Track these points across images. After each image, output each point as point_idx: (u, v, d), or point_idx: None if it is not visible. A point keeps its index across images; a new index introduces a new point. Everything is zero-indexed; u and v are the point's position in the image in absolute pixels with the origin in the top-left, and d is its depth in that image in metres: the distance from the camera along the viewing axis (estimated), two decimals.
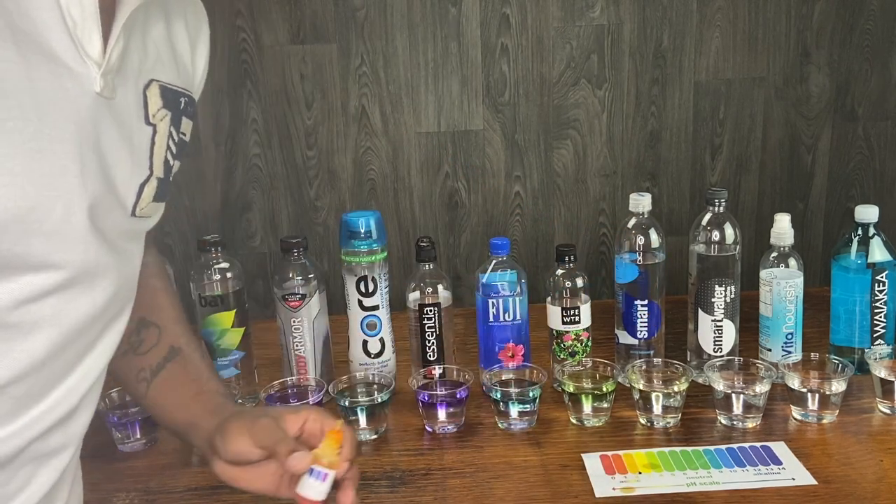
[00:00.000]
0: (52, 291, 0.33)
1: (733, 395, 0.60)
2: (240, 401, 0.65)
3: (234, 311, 0.65)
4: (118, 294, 0.37)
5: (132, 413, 0.61)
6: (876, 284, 0.65)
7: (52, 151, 0.31)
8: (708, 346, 0.67)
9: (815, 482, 0.53)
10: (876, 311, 0.66)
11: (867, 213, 0.65)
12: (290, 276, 0.66)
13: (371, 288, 0.66)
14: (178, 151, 0.39)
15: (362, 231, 0.65)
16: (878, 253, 0.65)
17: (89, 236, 0.33)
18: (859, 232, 0.66)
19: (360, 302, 0.67)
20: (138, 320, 0.46)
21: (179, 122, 0.39)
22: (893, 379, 0.61)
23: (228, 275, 0.66)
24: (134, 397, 0.50)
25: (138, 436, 0.62)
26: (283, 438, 0.42)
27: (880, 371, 0.62)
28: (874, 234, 0.66)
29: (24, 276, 0.31)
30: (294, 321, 0.66)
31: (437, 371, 0.66)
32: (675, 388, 0.61)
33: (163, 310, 0.49)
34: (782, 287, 0.65)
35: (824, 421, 0.61)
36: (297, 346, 0.66)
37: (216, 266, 0.66)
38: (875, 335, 0.66)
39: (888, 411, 0.62)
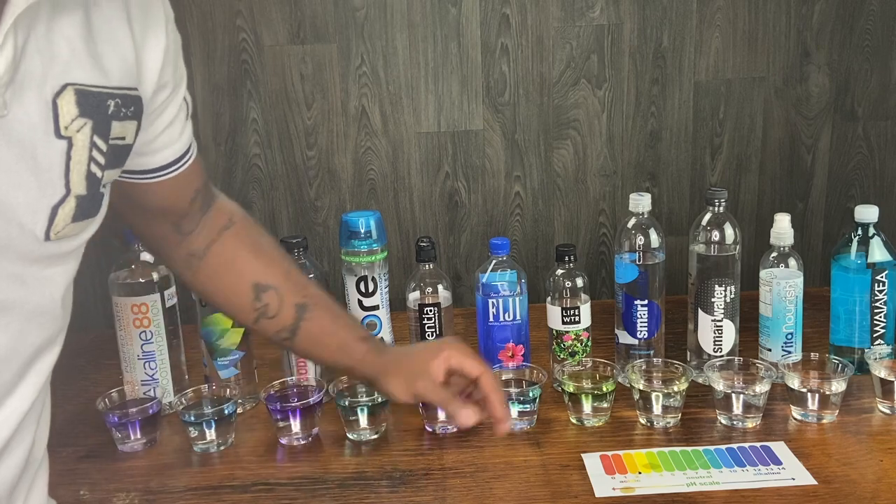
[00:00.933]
0: None
1: (733, 395, 0.60)
2: (240, 401, 0.65)
3: None
4: (28, 329, 0.33)
5: (132, 413, 0.62)
6: (876, 284, 0.65)
7: None
8: (708, 346, 0.67)
9: (815, 482, 0.53)
10: (876, 311, 0.66)
11: (867, 213, 0.65)
12: None
13: (371, 288, 0.66)
14: (110, 160, 0.35)
15: (362, 231, 0.66)
16: (878, 253, 0.65)
17: None
18: (859, 232, 0.66)
19: (360, 302, 0.67)
20: (253, 286, 0.47)
21: (107, 129, 0.34)
22: (893, 379, 0.61)
23: None
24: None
25: (138, 436, 0.62)
26: (445, 399, 0.47)
27: (880, 371, 0.62)
28: (874, 234, 0.66)
29: None
30: None
31: None
32: (675, 388, 0.61)
33: (271, 267, 0.49)
34: (782, 287, 0.65)
35: (824, 421, 0.61)
36: None
37: None
38: (875, 335, 0.66)
39: (888, 411, 0.62)
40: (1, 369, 0.33)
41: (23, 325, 0.33)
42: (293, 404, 0.61)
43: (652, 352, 0.68)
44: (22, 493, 0.37)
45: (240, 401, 0.65)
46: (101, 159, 0.34)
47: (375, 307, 0.67)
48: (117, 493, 0.56)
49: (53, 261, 0.34)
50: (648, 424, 0.61)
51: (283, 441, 0.61)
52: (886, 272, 0.65)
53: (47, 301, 0.35)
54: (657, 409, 0.61)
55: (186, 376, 0.69)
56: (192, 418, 0.60)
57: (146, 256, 0.65)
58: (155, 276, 0.64)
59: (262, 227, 0.53)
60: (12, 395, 0.34)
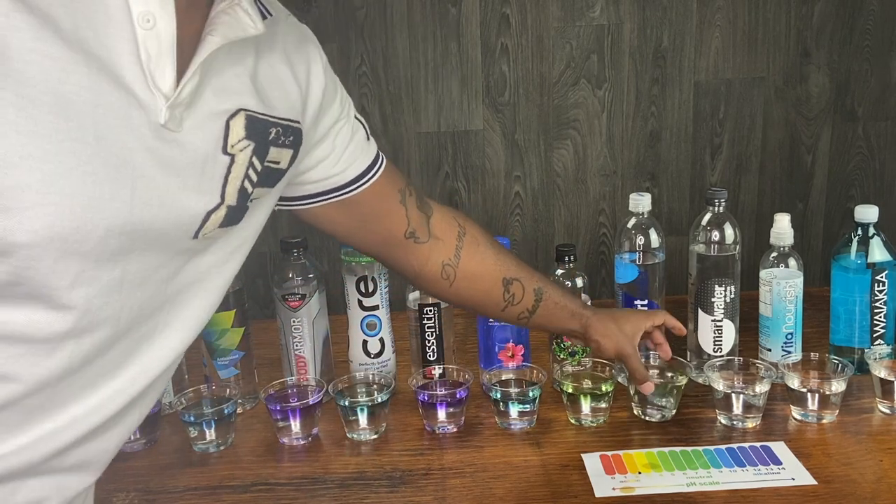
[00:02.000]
0: (80, 318, 0.33)
1: (733, 395, 0.60)
2: (240, 401, 0.65)
3: (234, 311, 0.65)
4: (142, 313, 0.36)
5: None
6: (876, 284, 0.65)
7: (106, 175, 0.32)
8: (708, 346, 0.67)
9: (814, 482, 0.53)
10: (876, 311, 0.66)
11: (867, 213, 0.65)
12: (290, 276, 0.66)
13: (371, 288, 0.66)
14: (262, 179, 0.40)
15: None
16: (878, 253, 0.65)
17: (128, 259, 0.34)
18: (859, 232, 0.66)
19: (359, 302, 0.67)
20: (503, 280, 0.56)
21: (266, 152, 0.39)
22: (893, 379, 0.61)
23: None
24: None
25: (138, 436, 0.62)
26: (640, 368, 0.59)
27: (880, 371, 0.62)
28: (874, 234, 0.66)
29: (54, 307, 0.32)
30: (294, 321, 0.66)
31: (436, 371, 0.66)
32: (676, 382, 0.61)
33: (509, 260, 0.58)
34: (782, 287, 0.65)
35: (824, 421, 0.61)
36: (296, 345, 0.66)
37: None
38: (875, 335, 0.67)
39: (888, 411, 0.62)
40: (113, 346, 0.36)
41: (139, 309, 0.36)
42: (293, 404, 0.61)
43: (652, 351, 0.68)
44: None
45: (239, 401, 0.65)
46: (255, 177, 0.39)
47: (375, 307, 0.67)
48: (117, 493, 0.56)
49: (192, 254, 0.38)
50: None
51: (283, 441, 0.61)
52: (886, 272, 0.65)
53: (172, 289, 0.38)
54: (661, 401, 0.61)
55: (186, 376, 0.69)
56: (192, 418, 0.60)
57: None
58: None
59: (473, 220, 0.60)
60: (119, 373, 0.37)
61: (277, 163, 0.41)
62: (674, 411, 0.61)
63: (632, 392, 0.62)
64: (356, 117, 0.50)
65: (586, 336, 0.59)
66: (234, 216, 0.39)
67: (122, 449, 0.61)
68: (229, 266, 0.41)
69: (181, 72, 0.34)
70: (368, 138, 0.51)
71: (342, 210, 0.49)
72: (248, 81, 0.39)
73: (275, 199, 0.44)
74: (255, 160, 0.39)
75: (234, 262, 0.41)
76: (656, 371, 0.63)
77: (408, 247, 0.53)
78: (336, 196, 0.49)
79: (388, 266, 0.57)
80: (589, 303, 0.68)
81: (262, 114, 0.39)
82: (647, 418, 0.62)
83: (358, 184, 0.49)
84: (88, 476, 0.38)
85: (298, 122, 0.42)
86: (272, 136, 0.40)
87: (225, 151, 0.37)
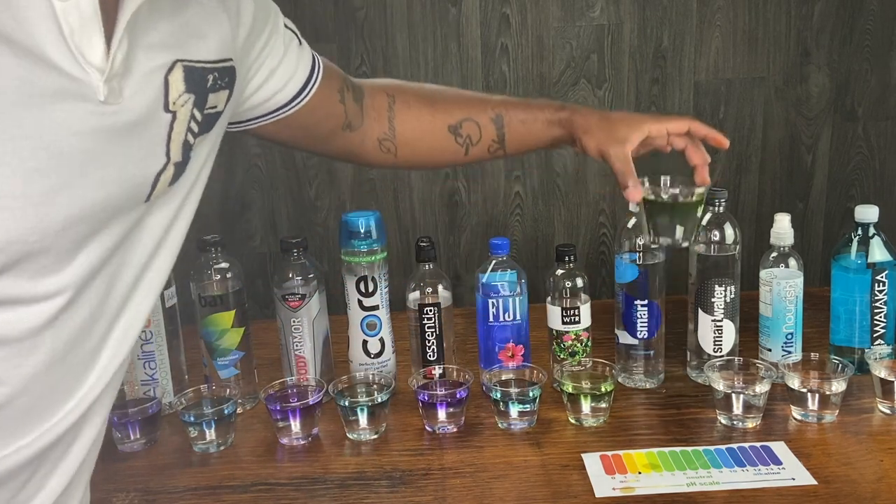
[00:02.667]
0: (53, 308, 0.33)
1: (733, 395, 0.60)
2: (240, 401, 0.65)
3: (234, 311, 0.65)
4: (111, 287, 0.36)
5: (132, 413, 0.62)
6: (876, 284, 0.65)
7: (53, 167, 0.31)
8: (708, 346, 0.67)
9: (815, 482, 0.53)
10: (876, 311, 0.66)
11: (867, 213, 0.65)
12: (290, 276, 0.66)
13: (371, 288, 0.66)
14: (203, 127, 0.38)
15: (362, 231, 0.65)
16: (878, 253, 0.65)
17: (88, 242, 0.33)
18: (859, 232, 0.66)
19: (359, 302, 0.67)
20: (448, 129, 0.54)
21: (205, 101, 0.38)
22: (893, 379, 0.61)
23: (228, 275, 0.66)
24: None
25: (138, 436, 0.62)
26: (626, 171, 0.53)
27: (880, 371, 0.62)
28: (874, 234, 0.66)
29: (24, 304, 0.31)
30: (294, 321, 0.66)
31: (436, 371, 0.66)
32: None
33: (449, 105, 0.55)
34: (782, 287, 0.65)
35: (824, 421, 0.61)
36: (296, 345, 0.66)
37: (216, 266, 0.66)
38: (875, 335, 0.66)
39: (888, 411, 0.62)
40: (92, 329, 0.35)
41: (108, 288, 0.36)
42: (293, 404, 0.61)
43: (652, 352, 0.68)
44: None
45: (239, 401, 0.65)
46: (196, 128, 0.38)
47: (375, 307, 0.67)
48: (117, 494, 0.56)
49: (143, 218, 0.37)
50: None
51: (283, 441, 0.61)
52: (886, 272, 0.65)
53: (136, 259, 0.38)
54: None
55: (186, 376, 0.69)
56: (192, 418, 0.60)
57: None
58: None
59: (411, 82, 0.58)
60: (101, 355, 0.37)
61: (215, 107, 0.40)
62: (685, 243, 0.55)
63: (645, 220, 0.56)
64: (286, 26, 0.48)
65: (573, 138, 0.55)
66: (180, 170, 0.38)
67: (121, 449, 0.61)
68: (182, 219, 0.40)
69: (110, 38, 0.32)
70: (301, 43, 0.50)
71: (288, 123, 0.49)
72: (179, 30, 0.36)
73: (214, 138, 0.42)
74: (195, 111, 0.37)
75: (185, 213, 0.40)
76: (670, 193, 0.56)
77: (344, 136, 0.53)
78: (281, 114, 0.48)
79: (328, 157, 0.57)
80: (588, 303, 0.68)
81: (199, 61, 0.37)
82: (658, 244, 0.55)
83: (299, 98, 0.49)
84: (78, 457, 0.37)
85: (231, 60, 0.40)
86: (210, 83, 0.38)
87: (167, 109, 0.35)
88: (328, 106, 0.52)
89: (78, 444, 0.37)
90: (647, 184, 0.56)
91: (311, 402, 0.61)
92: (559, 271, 0.68)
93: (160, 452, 0.61)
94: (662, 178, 0.56)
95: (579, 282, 0.68)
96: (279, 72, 0.47)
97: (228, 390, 0.63)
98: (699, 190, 0.56)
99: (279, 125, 0.50)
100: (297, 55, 0.49)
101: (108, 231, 0.35)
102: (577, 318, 0.67)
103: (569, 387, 0.62)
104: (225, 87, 0.40)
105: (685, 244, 0.56)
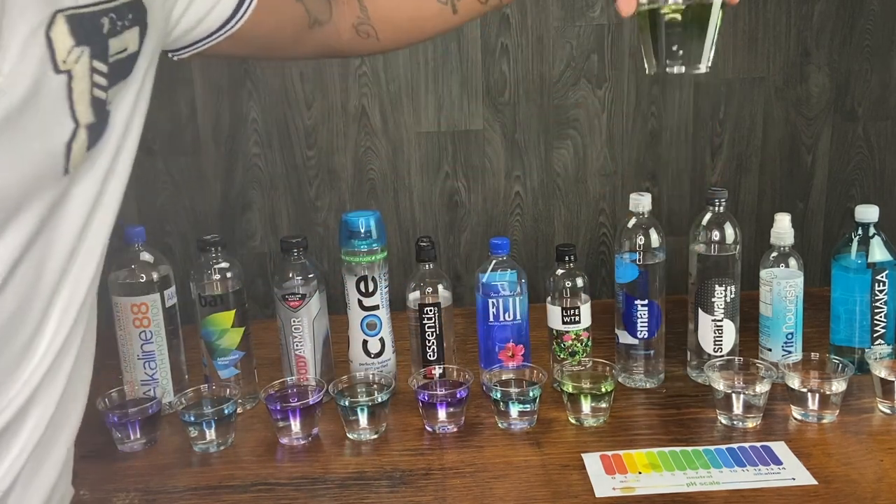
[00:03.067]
0: None
1: (733, 395, 0.60)
2: (240, 401, 0.65)
3: (234, 311, 0.65)
4: (46, 271, 0.33)
5: (132, 413, 0.62)
6: (876, 284, 0.65)
7: None
8: (708, 345, 0.67)
9: (815, 482, 0.53)
10: (876, 310, 0.66)
11: (867, 212, 0.65)
12: (290, 276, 0.66)
13: (371, 288, 0.66)
14: (114, 76, 0.34)
15: (362, 231, 0.66)
16: (879, 253, 0.65)
17: (4, 230, 0.30)
18: (859, 232, 0.66)
19: (360, 302, 0.67)
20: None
21: (105, 49, 0.33)
22: (894, 379, 0.61)
23: (228, 275, 0.66)
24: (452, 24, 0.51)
25: (138, 436, 0.62)
26: None
27: (880, 371, 0.62)
28: (874, 234, 0.66)
29: None
30: (294, 321, 0.66)
31: (437, 371, 0.66)
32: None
33: None
34: (782, 287, 0.65)
35: (824, 421, 0.61)
36: (296, 345, 0.66)
37: (216, 266, 0.66)
38: (875, 335, 0.66)
39: (888, 411, 0.62)
40: (28, 311, 0.33)
41: (38, 267, 0.33)
42: (293, 404, 0.61)
43: (652, 352, 0.68)
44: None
45: (240, 401, 0.65)
46: (104, 81, 0.34)
47: (375, 307, 0.67)
48: (117, 493, 0.56)
49: (70, 189, 0.34)
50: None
51: (283, 441, 0.61)
52: (887, 272, 0.65)
53: (64, 233, 0.34)
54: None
55: (186, 376, 0.69)
56: (192, 418, 0.60)
57: (146, 256, 0.65)
58: (155, 275, 0.64)
59: None
60: (41, 336, 0.34)
61: (124, 50, 0.34)
62: (703, 67, 0.42)
63: (645, 43, 0.44)
64: None
65: None
66: (98, 131, 0.34)
67: (121, 449, 0.61)
68: (115, 179, 0.36)
69: None
70: None
71: (241, 38, 0.45)
72: None
73: (139, 82, 0.37)
74: (96, 63, 0.33)
75: (118, 172, 0.36)
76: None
77: (314, 35, 0.49)
78: (225, 32, 0.44)
79: (306, 59, 0.53)
80: (588, 303, 0.67)
81: (84, 6, 0.32)
82: (668, 69, 0.43)
83: (240, 12, 0.44)
84: (37, 425, 0.35)
85: None
86: (107, 27, 0.33)
87: (57, 70, 0.31)
88: (283, 9, 0.47)
89: (26, 428, 0.35)
90: None
91: (311, 402, 0.61)
92: (559, 271, 0.68)
93: (160, 452, 0.61)
94: None
95: (579, 282, 0.68)
96: None
97: (228, 390, 0.63)
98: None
99: (232, 42, 0.44)
100: None
101: (27, 214, 0.32)
102: (577, 318, 0.67)
103: (569, 387, 0.62)
104: (131, 24, 0.35)
105: (703, 68, 0.43)
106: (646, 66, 0.44)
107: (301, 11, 0.48)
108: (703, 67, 0.43)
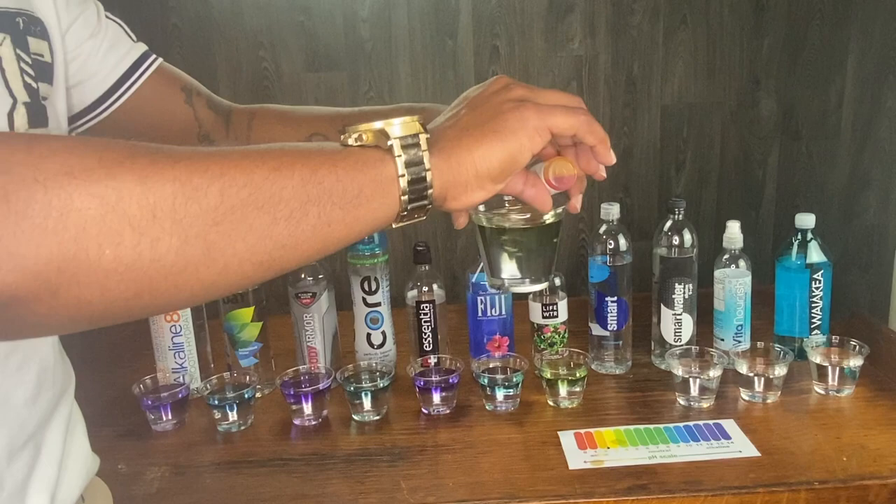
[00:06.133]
0: None
1: (690, 380, 0.62)
2: (259, 386, 0.67)
3: (254, 307, 0.67)
4: None
5: (164, 397, 0.63)
6: (813, 282, 0.67)
7: None
8: (669, 336, 0.68)
9: (759, 454, 0.54)
10: (813, 305, 0.67)
11: (805, 220, 0.67)
12: (303, 276, 0.67)
13: (374, 287, 0.68)
14: (39, 73, 0.33)
15: (366, 237, 0.68)
16: (815, 255, 0.67)
17: None
18: (799, 236, 0.68)
19: (364, 299, 0.68)
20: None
21: (25, 43, 0.33)
22: (827, 364, 0.63)
23: None
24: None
25: (169, 417, 0.63)
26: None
27: (816, 357, 0.64)
28: (811, 239, 0.67)
29: None
30: (306, 316, 0.67)
31: (432, 360, 0.67)
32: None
33: (307, 118, 0.45)
34: (733, 285, 0.67)
35: (768, 401, 0.62)
36: (308, 338, 0.68)
37: None
38: (812, 326, 0.68)
39: (823, 392, 0.63)
40: None
41: None
42: (305, 389, 0.62)
43: (621, 342, 0.70)
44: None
45: (258, 386, 0.66)
46: (31, 71, 0.33)
47: (378, 304, 0.69)
48: (150, 467, 0.57)
49: None
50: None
51: (297, 422, 0.63)
52: (822, 272, 0.67)
53: None
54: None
55: (212, 365, 0.70)
56: (217, 402, 0.62)
57: None
58: None
59: (293, 106, 0.49)
60: None
61: (41, 55, 0.34)
62: (535, 285, 0.35)
63: (482, 252, 0.36)
64: (108, 17, 0.43)
65: None
66: (38, 115, 0.33)
67: (154, 429, 0.63)
68: None
69: None
70: (133, 38, 0.44)
71: (128, 114, 0.42)
72: None
73: (63, 101, 0.36)
74: (20, 52, 0.32)
75: None
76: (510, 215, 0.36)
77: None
78: (113, 101, 0.41)
79: None
80: (565, 300, 0.69)
81: (1, 6, 0.32)
82: (498, 288, 0.34)
83: (127, 84, 0.42)
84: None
85: (34, 12, 0.34)
86: (22, 25, 0.33)
87: None
88: (169, 103, 0.44)
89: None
90: (476, 209, 0.35)
91: (321, 388, 0.62)
92: None
93: (188, 432, 0.62)
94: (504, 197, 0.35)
95: (557, 281, 0.70)
96: (96, 49, 0.40)
97: (248, 377, 0.65)
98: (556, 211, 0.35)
99: (126, 117, 0.42)
100: (124, 45, 0.43)
101: None
102: (555, 313, 0.69)
103: (548, 373, 0.63)
104: (40, 35, 0.34)
105: (535, 286, 0.35)
106: (487, 280, 0.36)
107: (188, 114, 0.45)
108: (532, 287, 0.35)
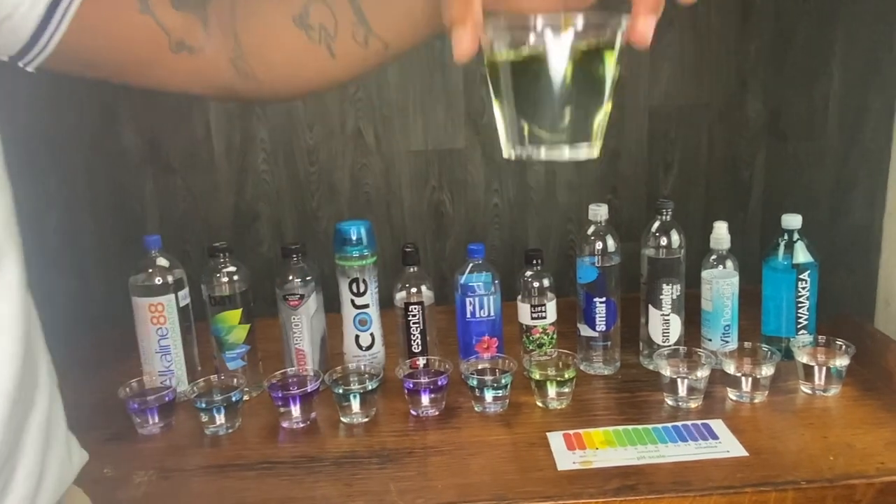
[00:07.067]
0: None
1: (678, 380, 0.61)
2: (246, 389, 0.66)
3: (241, 309, 0.66)
4: None
5: (150, 400, 0.62)
6: (800, 283, 0.67)
7: None
8: (657, 337, 0.68)
9: (746, 454, 0.54)
10: (800, 305, 0.67)
11: (792, 220, 0.67)
12: (290, 278, 0.67)
13: (362, 288, 0.68)
14: None
15: (354, 238, 0.67)
16: (802, 255, 0.67)
17: None
18: (785, 237, 0.68)
19: (352, 301, 0.68)
20: (293, 20, 0.34)
21: None
22: (814, 364, 0.63)
23: (235, 277, 0.67)
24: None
25: (156, 420, 0.62)
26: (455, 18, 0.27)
27: (803, 357, 0.63)
28: (798, 239, 0.67)
29: None
30: (294, 318, 0.67)
31: (420, 361, 0.67)
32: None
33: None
34: (720, 286, 0.67)
35: (756, 401, 0.62)
36: (296, 340, 0.67)
37: (224, 270, 0.67)
38: (799, 326, 0.68)
39: (809, 392, 0.63)
40: None
41: None
42: (293, 392, 0.62)
43: (609, 343, 0.69)
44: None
45: (246, 389, 0.66)
46: None
47: (366, 305, 0.68)
48: (137, 471, 0.56)
49: None
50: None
51: (284, 425, 0.62)
52: (808, 272, 0.67)
53: None
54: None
55: (199, 367, 0.69)
56: (204, 405, 0.61)
57: (162, 261, 0.66)
58: (170, 278, 0.65)
59: None
60: None
61: None
62: (585, 152, 0.26)
63: (500, 114, 0.28)
64: None
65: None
66: None
67: (141, 432, 0.62)
68: None
69: None
70: None
71: (79, 41, 0.33)
72: None
73: None
74: None
75: None
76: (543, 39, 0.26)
77: (184, 61, 0.36)
78: (51, 32, 0.33)
79: (190, 91, 0.37)
80: (554, 301, 0.69)
81: None
82: (525, 157, 0.26)
83: (62, 5, 0.33)
84: None
85: None
86: None
87: None
88: (121, 17, 0.35)
89: None
90: (492, 30, 0.26)
91: (309, 390, 0.62)
92: (528, 273, 0.70)
93: (175, 435, 0.62)
94: (530, 17, 0.25)
95: (546, 282, 0.69)
96: None
97: (236, 380, 0.64)
98: (615, 32, 0.25)
99: (78, 44, 0.34)
100: None
101: None
102: (544, 314, 0.68)
103: (536, 374, 0.63)
104: None
105: (577, 152, 0.25)
106: (503, 147, 0.26)
107: (151, 27, 0.35)
108: (580, 154, 0.24)
